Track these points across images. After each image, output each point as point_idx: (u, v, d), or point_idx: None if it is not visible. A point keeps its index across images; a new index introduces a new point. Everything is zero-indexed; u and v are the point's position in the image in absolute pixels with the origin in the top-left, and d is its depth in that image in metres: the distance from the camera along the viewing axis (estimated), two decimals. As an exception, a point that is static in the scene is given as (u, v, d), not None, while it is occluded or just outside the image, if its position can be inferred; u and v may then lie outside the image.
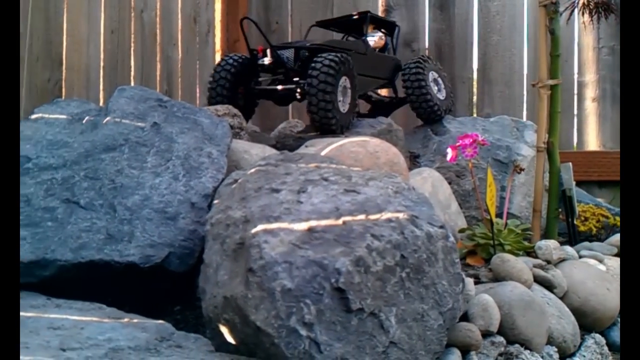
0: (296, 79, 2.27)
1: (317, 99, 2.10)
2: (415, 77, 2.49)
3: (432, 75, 2.58)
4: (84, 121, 1.81)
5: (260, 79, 2.42)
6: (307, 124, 2.38)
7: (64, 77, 2.23)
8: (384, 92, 3.01)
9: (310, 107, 2.13)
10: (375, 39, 2.58)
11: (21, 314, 1.32)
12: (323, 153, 1.87)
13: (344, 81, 2.19)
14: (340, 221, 1.30)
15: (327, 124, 2.14)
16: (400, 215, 1.35)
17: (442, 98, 2.59)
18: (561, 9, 2.15)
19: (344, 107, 2.21)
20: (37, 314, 1.33)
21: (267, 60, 2.28)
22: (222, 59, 2.40)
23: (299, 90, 2.23)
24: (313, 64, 2.12)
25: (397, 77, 2.68)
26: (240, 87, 2.37)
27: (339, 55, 2.15)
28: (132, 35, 2.61)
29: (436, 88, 2.57)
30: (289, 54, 2.27)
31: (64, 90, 2.24)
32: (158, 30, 2.78)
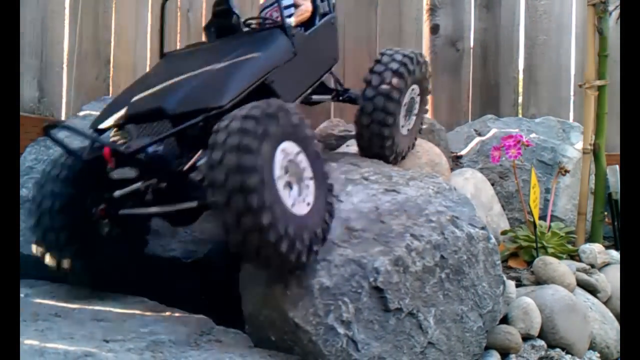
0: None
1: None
2: (384, 100, 1.65)
3: (411, 91, 1.75)
4: (130, 118, 1.84)
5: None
6: (349, 123, 2.29)
7: (111, 75, 2.28)
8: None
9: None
10: (296, 13, 1.75)
11: (67, 305, 1.36)
12: (364, 152, 1.86)
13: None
14: (379, 220, 1.30)
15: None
16: (441, 216, 1.34)
17: (404, 133, 1.78)
18: (610, 7, 2.10)
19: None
20: (82, 306, 1.36)
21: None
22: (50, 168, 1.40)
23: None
24: (216, 129, 1.09)
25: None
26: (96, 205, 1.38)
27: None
28: (178, 35, 2.65)
29: (404, 116, 1.76)
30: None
31: (111, 87, 2.29)
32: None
